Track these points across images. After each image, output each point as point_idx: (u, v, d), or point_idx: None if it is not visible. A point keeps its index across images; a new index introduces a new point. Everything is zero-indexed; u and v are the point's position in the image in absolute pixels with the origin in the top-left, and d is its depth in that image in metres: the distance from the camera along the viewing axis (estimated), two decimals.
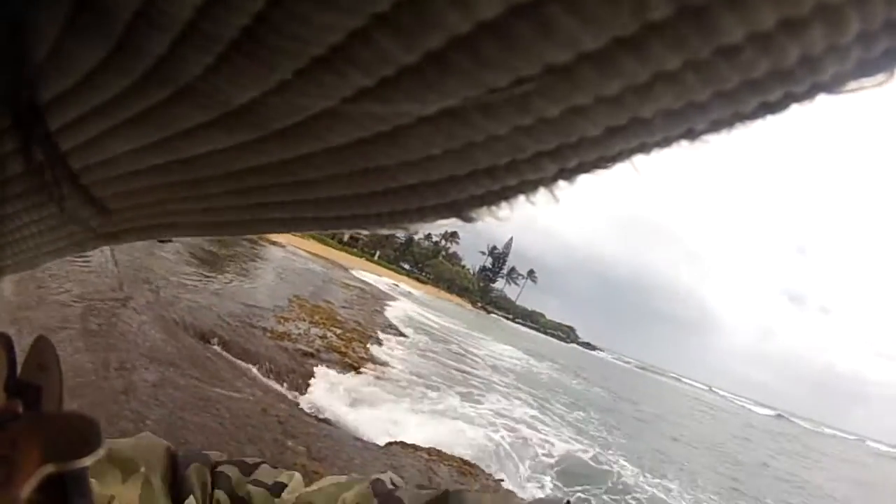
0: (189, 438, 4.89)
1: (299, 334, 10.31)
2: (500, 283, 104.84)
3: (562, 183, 0.19)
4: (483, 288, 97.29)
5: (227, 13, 0.16)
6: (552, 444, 10.06)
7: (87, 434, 0.33)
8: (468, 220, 0.22)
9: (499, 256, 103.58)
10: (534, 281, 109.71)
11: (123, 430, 4.43)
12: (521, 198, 0.20)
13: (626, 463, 10.97)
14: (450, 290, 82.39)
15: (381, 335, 14.44)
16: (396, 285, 43.45)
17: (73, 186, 0.30)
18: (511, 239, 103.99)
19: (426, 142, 0.18)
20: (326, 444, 6.05)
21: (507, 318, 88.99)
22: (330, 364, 9.28)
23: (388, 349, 13.01)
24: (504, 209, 0.21)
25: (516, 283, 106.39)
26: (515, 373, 18.93)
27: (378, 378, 9.91)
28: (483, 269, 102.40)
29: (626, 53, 0.12)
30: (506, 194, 0.20)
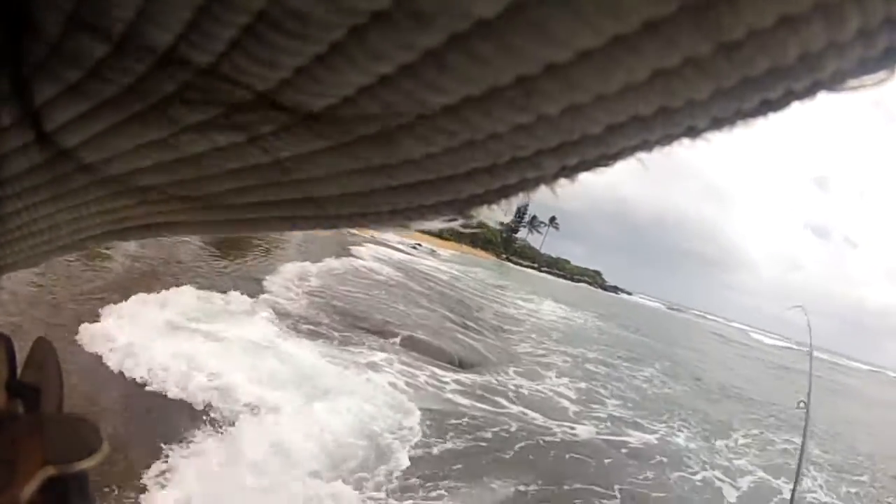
0: None
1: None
2: (522, 233, 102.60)
3: (563, 180, 0.19)
4: (506, 239, 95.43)
5: (227, 11, 0.15)
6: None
7: (88, 436, 0.32)
8: (469, 218, 0.22)
9: (519, 206, 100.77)
10: (556, 228, 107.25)
11: None
12: (522, 195, 0.20)
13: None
14: (473, 244, 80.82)
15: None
16: (418, 245, 41.99)
17: (88, 178, 0.30)
18: None
19: (426, 140, 0.18)
20: None
21: (533, 268, 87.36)
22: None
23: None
24: (505, 207, 0.21)
25: (539, 232, 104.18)
26: (560, 331, 17.57)
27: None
28: None
29: (626, 52, 0.12)
30: (506, 192, 0.20)
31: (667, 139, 0.16)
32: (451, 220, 0.23)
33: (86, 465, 0.31)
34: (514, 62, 0.13)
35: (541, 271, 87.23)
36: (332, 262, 14.68)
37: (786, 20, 0.11)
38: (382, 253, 22.15)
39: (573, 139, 0.16)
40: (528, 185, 0.19)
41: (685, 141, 0.16)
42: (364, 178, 0.21)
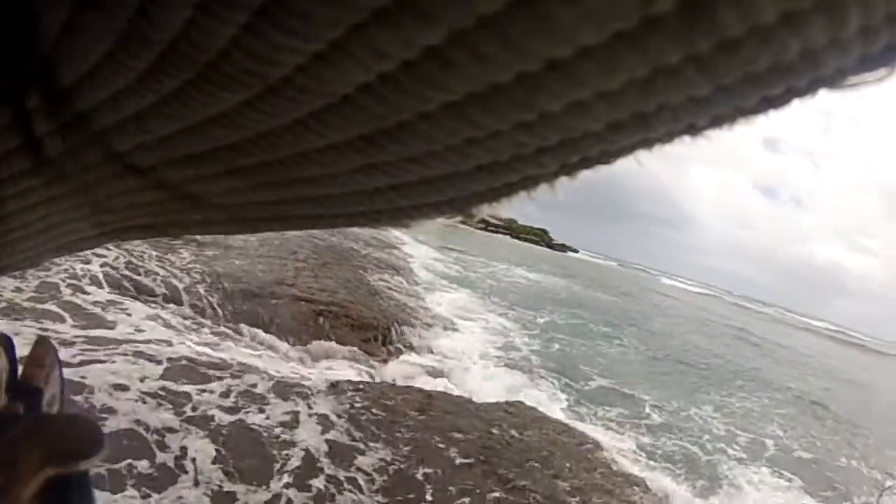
0: None
1: None
2: None
3: (563, 178, 0.18)
4: None
5: (226, 10, 0.15)
6: None
7: (89, 437, 0.32)
8: (470, 216, 0.22)
9: None
10: None
11: None
12: (522, 193, 0.20)
13: None
14: None
15: None
16: None
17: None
18: None
19: (427, 138, 0.18)
20: None
21: (479, 229, 79.76)
22: None
23: None
24: (505, 205, 0.20)
25: None
26: None
27: None
28: None
29: (627, 48, 0.12)
30: (507, 191, 0.20)
31: (667, 136, 0.16)
32: (452, 217, 0.22)
33: (86, 465, 0.30)
34: (516, 58, 0.13)
35: (487, 230, 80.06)
36: None
37: (787, 17, 0.11)
38: None
39: (575, 136, 0.16)
40: (528, 182, 0.19)
41: (685, 138, 0.16)
42: (365, 176, 0.21)
